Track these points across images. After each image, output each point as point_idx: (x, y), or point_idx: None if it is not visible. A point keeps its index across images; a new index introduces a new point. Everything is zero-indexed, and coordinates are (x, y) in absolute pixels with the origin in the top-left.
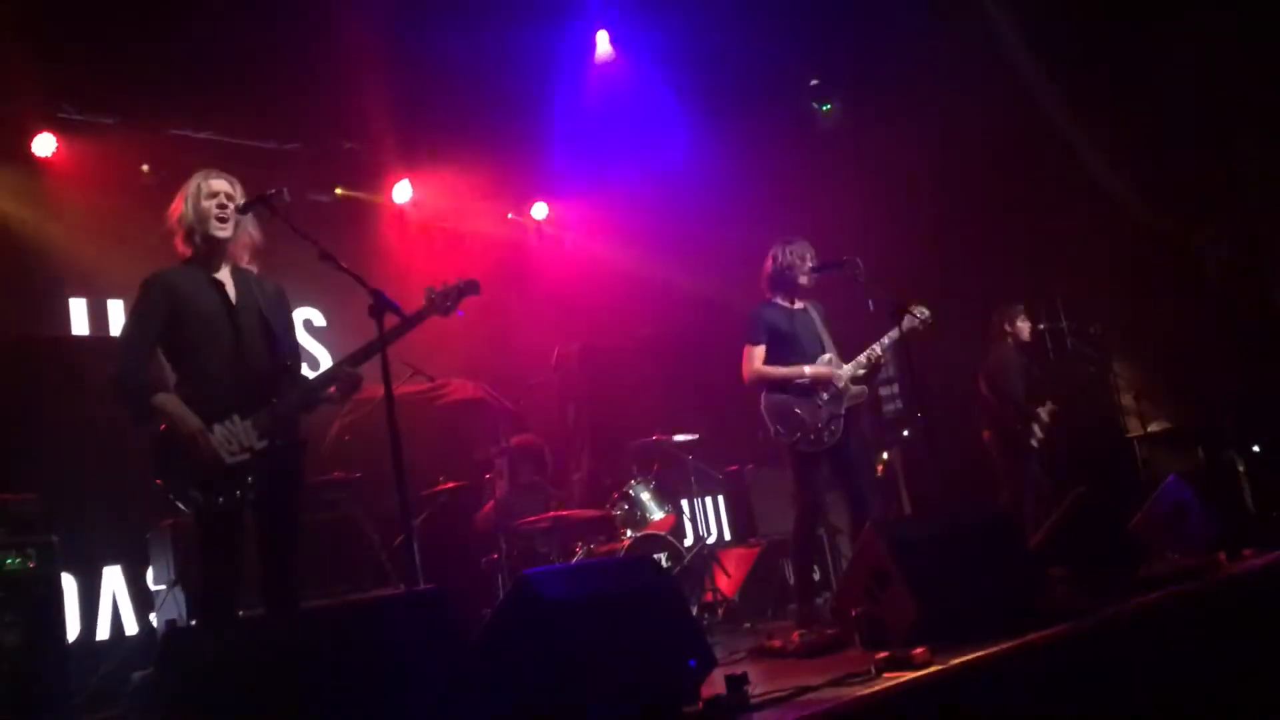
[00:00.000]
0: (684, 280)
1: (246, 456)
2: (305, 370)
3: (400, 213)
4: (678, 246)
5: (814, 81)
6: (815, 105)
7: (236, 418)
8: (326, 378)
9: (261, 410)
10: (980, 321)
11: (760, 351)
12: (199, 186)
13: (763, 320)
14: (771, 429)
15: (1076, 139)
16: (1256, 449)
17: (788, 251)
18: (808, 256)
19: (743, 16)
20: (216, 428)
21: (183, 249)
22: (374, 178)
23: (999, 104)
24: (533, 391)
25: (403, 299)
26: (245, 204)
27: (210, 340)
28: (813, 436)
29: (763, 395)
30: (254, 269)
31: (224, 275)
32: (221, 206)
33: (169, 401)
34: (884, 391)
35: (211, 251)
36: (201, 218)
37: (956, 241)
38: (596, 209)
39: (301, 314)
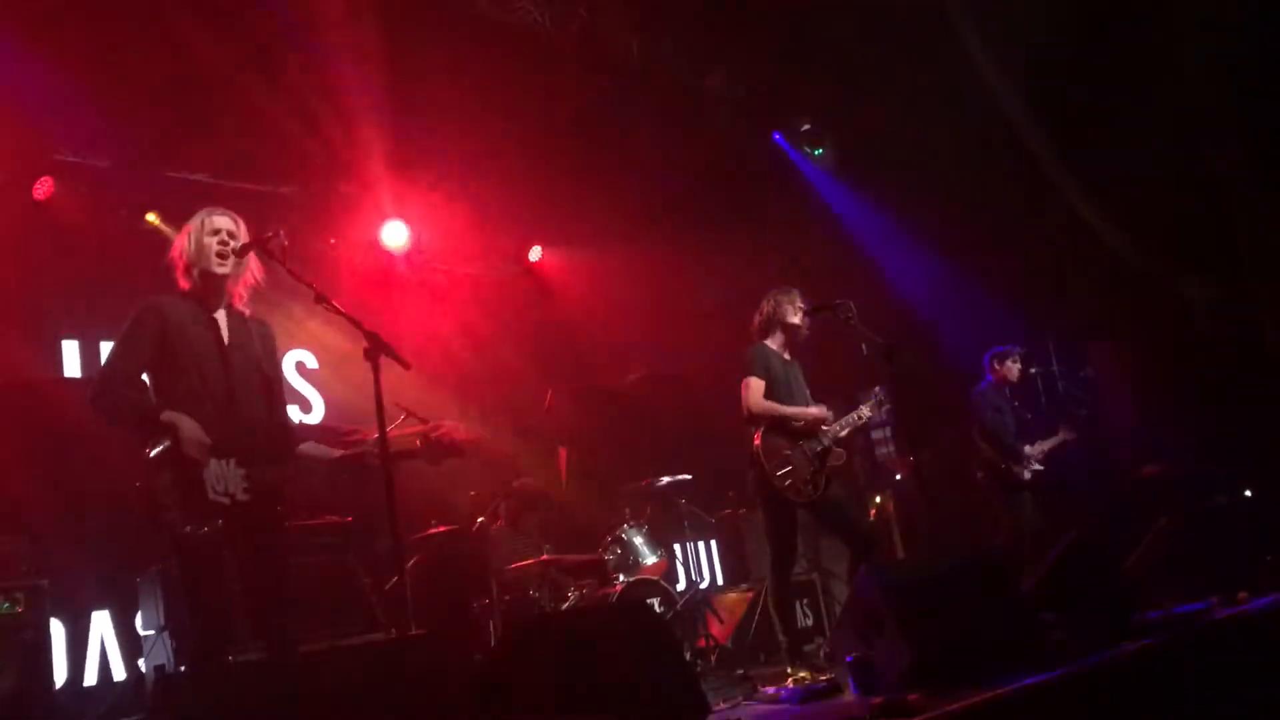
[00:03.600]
0: (675, 324)
1: (226, 501)
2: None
3: (394, 255)
4: (671, 290)
5: (805, 126)
6: (806, 149)
7: (233, 462)
8: (335, 464)
9: (260, 465)
10: (972, 365)
11: (761, 386)
12: (202, 223)
13: (761, 357)
14: (766, 467)
15: (1068, 185)
16: (1248, 493)
17: (780, 299)
18: (799, 303)
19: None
20: (213, 462)
21: (182, 283)
22: (369, 221)
23: (991, 151)
24: (525, 435)
25: (396, 342)
26: (242, 247)
27: (200, 377)
28: (800, 485)
29: (759, 434)
30: (246, 311)
31: (219, 315)
32: (223, 243)
33: (179, 418)
34: (876, 435)
35: (209, 288)
36: (202, 253)
37: (949, 286)
38: (590, 253)
39: (294, 356)
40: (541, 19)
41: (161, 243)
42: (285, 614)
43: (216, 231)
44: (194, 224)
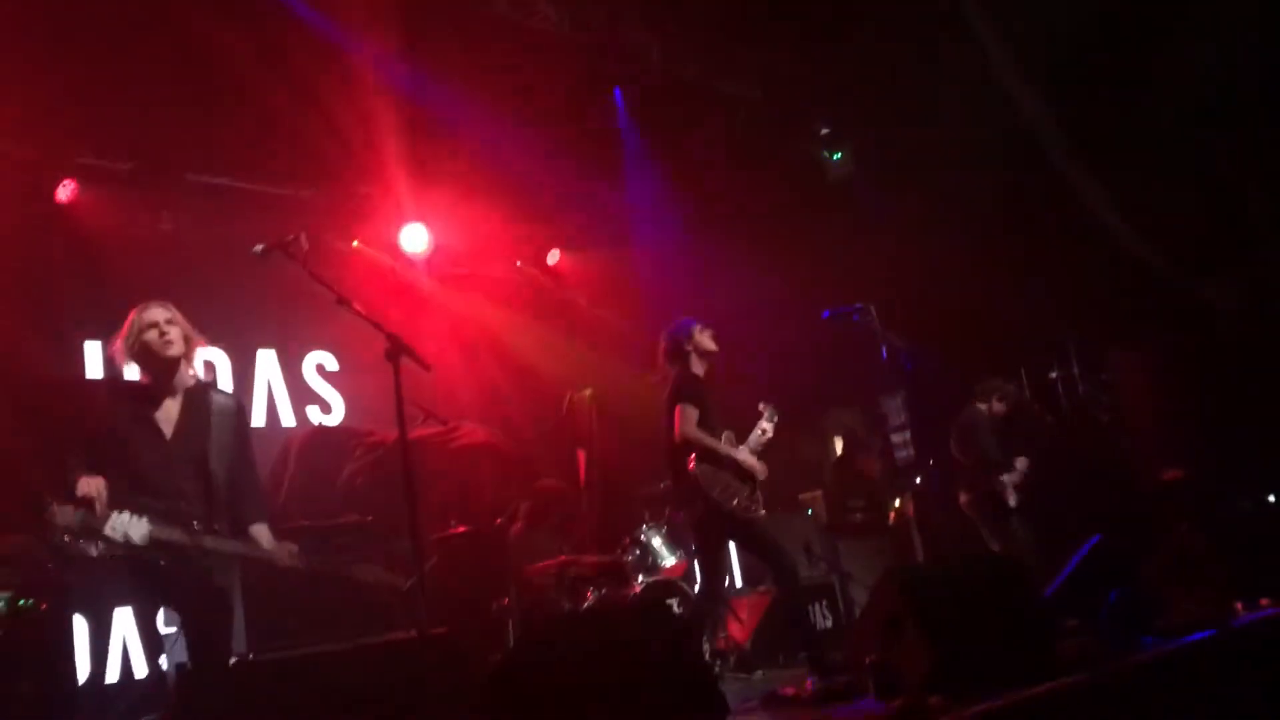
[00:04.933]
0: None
1: (118, 539)
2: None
3: (414, 258)
4: (688, 294)
5: (824, 131)
6: (825, 155)
7: (147, 519)
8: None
9: (174, 529)
10: (993, 368)
11: (695, 415)
12: (134, 323)
13: (698, 384)
14: (710, 494)
15: (1086, 187)
16: (1270, 498)
17: (693, 331)
18: (704, 327)
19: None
20: (127, 514)
21: (141, 377)
22: (389, 223)
23: (1009, 155)
24: (543, 437)
25: (416, 344)
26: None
27: (135, 472)
28: (747, 504)
29: (693, 461)
30: (202, 382)
31: (171, 403)
32: (162, 333)
33: (78, 481)
34: (895, 439)
35: (163, 374)
36: (147, 349)
37: (968, 290)
38: (608, 256)
39: (315, 358)
40: (561, 22)
41: (184, 244)
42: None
43: (153, 324)
44: (129, 325)
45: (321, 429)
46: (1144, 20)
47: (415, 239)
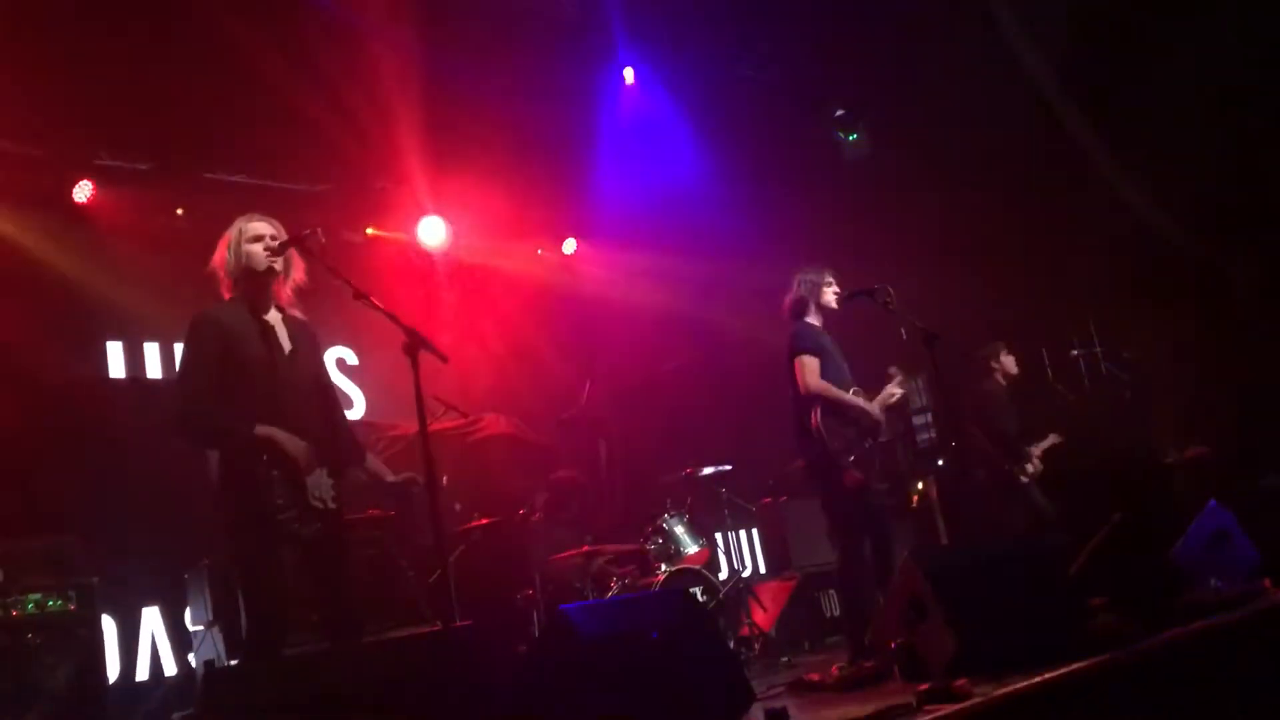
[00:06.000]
0: (712, 313)
1: (321, 506)
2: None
3: (430, 250)
4: (706, 280)
5: (839, 112)
6: (840, 135)
7: (324, 471)
8: (396, 487)
9: (338, 475)
10: (1016, 345)
11: (816, 364)
12: (240, 230)
13: (811, 334)
14: (829, 445)
15: (1105, 162)
16: None
17: (814, 280)
18: (831, 279)
19: (768, 47)
20: (315, 470)
21: (227, 293)
22: (405, 217)
23: (1027, 128)
24: (564, 427)
25: (434, 336)
26: (280, 245)
27: (262, 388)
28: (863, 469)
29: (817, 414)
30: (297, 313)
31: (273, 319)
32: (268, 247)
33: (275, 431)
34: (917, 421)
35: (258, 290)
36: (251, 258)
37: (988, 268)
38: (625, 244)
39: (334, 353)
40: (574, 8)
41: (202, 243)
42: (352, 604)
43: (259, 237)
44: (232, 234)
45: None
46: None
47: (432, 231)
